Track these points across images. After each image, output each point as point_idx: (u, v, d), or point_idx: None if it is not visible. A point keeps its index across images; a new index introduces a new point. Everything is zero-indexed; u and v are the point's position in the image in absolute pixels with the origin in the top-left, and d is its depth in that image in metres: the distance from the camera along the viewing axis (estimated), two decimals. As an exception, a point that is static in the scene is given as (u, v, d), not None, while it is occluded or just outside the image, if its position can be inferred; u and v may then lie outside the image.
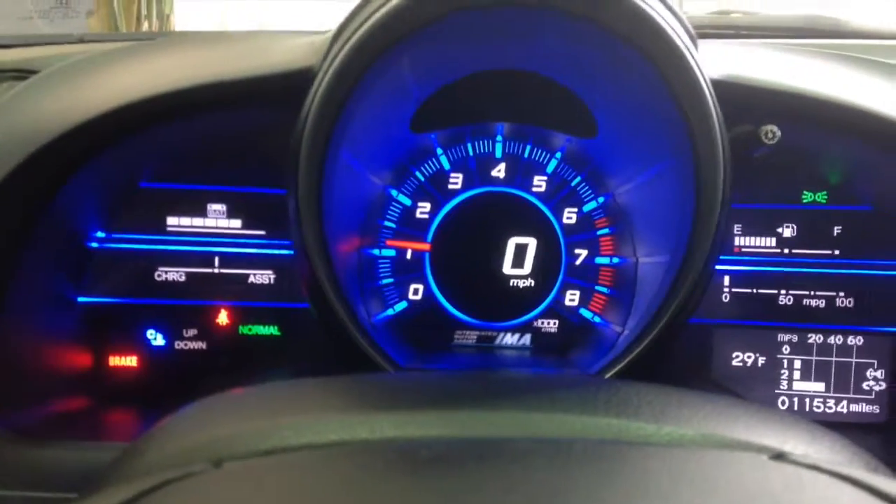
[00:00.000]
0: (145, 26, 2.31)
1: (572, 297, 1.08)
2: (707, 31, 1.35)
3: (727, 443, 0.49)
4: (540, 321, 1.09)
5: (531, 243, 1.08)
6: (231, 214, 1.05)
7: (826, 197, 1.02)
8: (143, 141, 0.93)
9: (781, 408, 1.04)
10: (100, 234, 1.01)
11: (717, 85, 0.81)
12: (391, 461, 0.42)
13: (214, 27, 3.26)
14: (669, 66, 0.76)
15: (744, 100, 0.84)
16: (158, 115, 0.88)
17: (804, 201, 1.03)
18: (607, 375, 0.83)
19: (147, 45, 0.99)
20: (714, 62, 0.84)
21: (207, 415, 0.53)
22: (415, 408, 0.52)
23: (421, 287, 1.09)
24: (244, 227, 1.05)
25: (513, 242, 1.08)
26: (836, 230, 1.02)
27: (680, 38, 0.77)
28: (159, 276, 1.04)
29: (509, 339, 1.10)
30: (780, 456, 0.43)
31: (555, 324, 1.09)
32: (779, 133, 0.81)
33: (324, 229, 0.81)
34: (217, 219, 1.05)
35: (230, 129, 0.98)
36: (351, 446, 0.46)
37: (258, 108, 0.90)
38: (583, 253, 1.08)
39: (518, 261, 1.08)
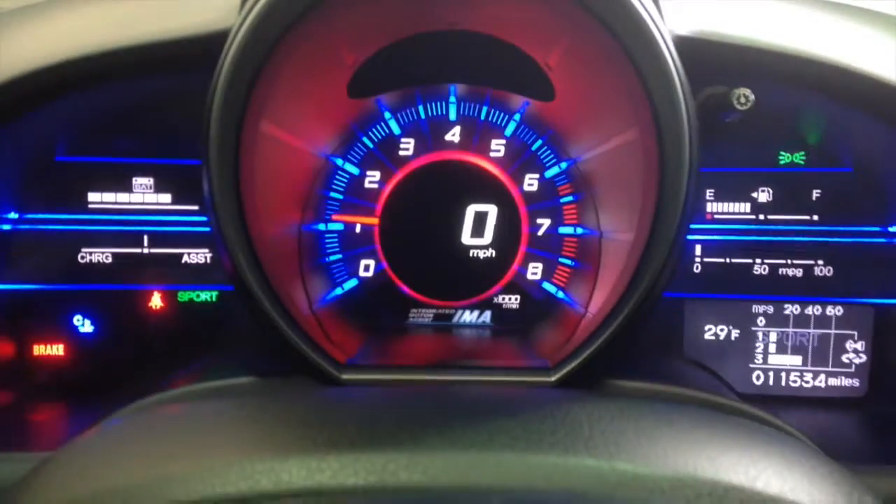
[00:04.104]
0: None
1: (535, 270, 1.01)
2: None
3: (687, 485, 0.42)
4: (500, 297, 1.02)
5: (491, 210, 0.99)
6: (159, 188, 0.96)
7: (804, 158, 0.95)
8: (56, 110, 0.84)
9: (756, 383, 0.99)
10: (12, 215, 0.92)
11: (686, 42, 0.72)
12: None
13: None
14: (625, 29, 0.67)
15: (715, 58, 0.75)
16: (70, 81, 0.78)
17: (781, 163, 0.95)
18: (574, 363, 0.76)
19: (54, 5, 0.88)
20: (683, 17, 0.75)
21: (82, 461, 0.45)
22: (328, 448, 0.44)
23: (372, 262, 1.01)
24: (174, 201, 0.96)
25: (472, 210, 0.99)
26: (815, 193, 0.95)
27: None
28: (83, 258, 0.96)
29: (468, 316, 1.02)
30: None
31: (516, 299, 1.02)
32: (752, 97, 0.73)
33: (244, 209, 0.72)
34: (144, 193, 0.96)
35: (151, 95, 0.88)
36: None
37: (178, 72, 0.80)
38: (545, 222, 1.00)
39: (477, 230, 1.00)
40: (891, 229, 0.93)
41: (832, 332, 0.97)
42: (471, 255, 1.00)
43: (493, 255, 1.00)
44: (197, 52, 0.76)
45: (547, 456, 0.44)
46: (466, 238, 1.00)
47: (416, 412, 0.51)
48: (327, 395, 0.63)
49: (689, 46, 0.73)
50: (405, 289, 1.00)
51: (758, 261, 0.97)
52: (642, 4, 0.67)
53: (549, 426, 0.47)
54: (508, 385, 0.71)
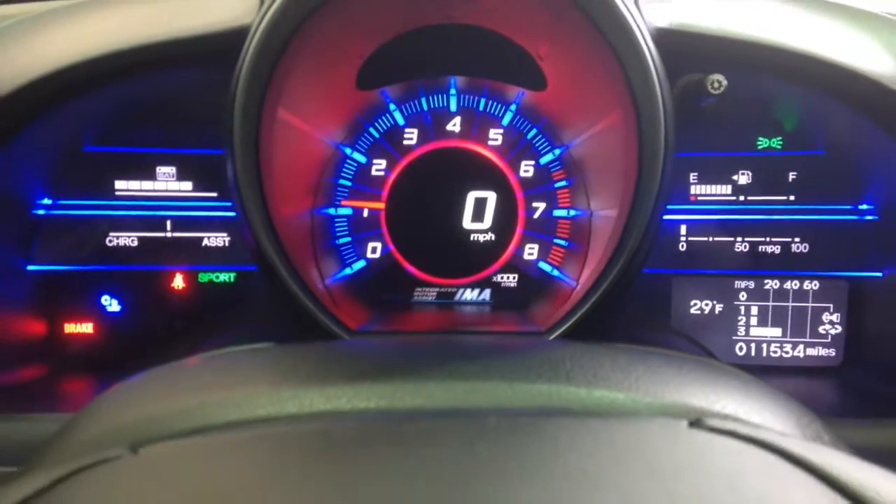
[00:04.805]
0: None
1: (531, 251, 1.08)
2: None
3: (654, 406, 0.49)
4: (499, 276, 1.09)
5: (490, 197, 1.07)
6: (181, 176, 1.03)
7: (781, 143, 1.02)
8: (84, 104, 0.90)
9: (739, 353, 1.05)
10: (46, 201, 0.99)
11: (664, 34, 0.79)
12: (306, 444, 0.41)
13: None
14: (605, 20, 0.75)
15: (691, 48, 0.82)
16: (101, 75, 0.85)
17: (759, 148, 1.02)
18: (563, 328, 0.83)
19: (84, 5, 0.96)
20: (661, 10, 0.82)
21: (131, 394, 0.53)
22: (344, 380, 0.51)
23: (379, 245, 1.08)
24: (195, 189, 1.04)
25: (472, 196, 1.07)
26: (791, 176, 1.02)
27: None
28: (110, 241, 1.03)
29: (469, 294, 1.09)
30: (698, 422, 0.43)
31: (514, 278, 1.09)
32: (725, 82, 0.80)
33: (264, 192, 0.79)
34: (167, 181, 1.03)
35: (173, 89, 0.95)
36: (274, 424, 0.46)
37: (200, 66, 0.87)
38: (541, 206, 1.07)
39: (478, 215, 1.07)
40: (861, 207, 1.00)
41: (809, 305, 1.04)
42: (471, 238, 1.07)
43: (492, 237, 1.07)
44: (219, 47, 0.82)
45: (533, 384, 0.51)
46: (467, 223, 1.07)
47: (421, 353, 0.58)
48: (342, 343, 0.70)
49: (668, 37, 0.80)
50: (410, 269, 1.08)
51: (739, 239, 1.04)
52: None
53: (537, 362, 0.54)
54: (504, 342, 0.78)
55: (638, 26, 0.75)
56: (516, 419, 0.42)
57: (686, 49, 0.82)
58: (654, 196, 0.77)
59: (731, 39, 0.81)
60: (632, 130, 0.78)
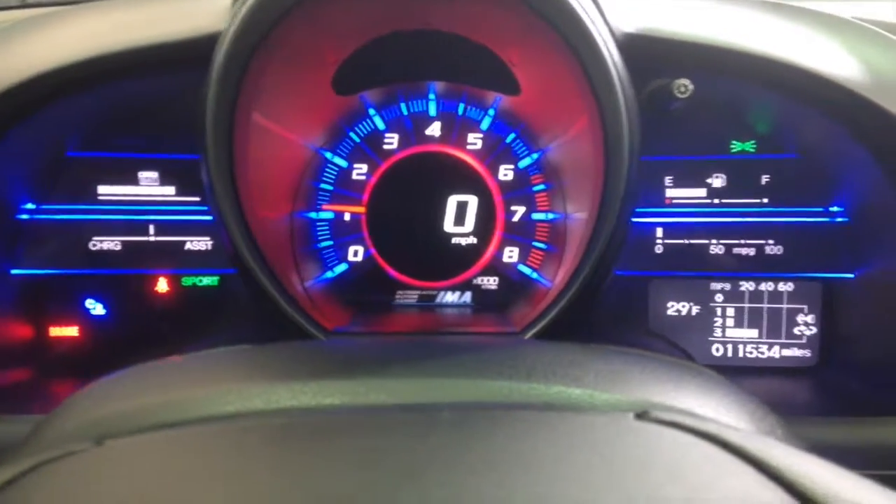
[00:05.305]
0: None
1: (511, 254, 1.10)
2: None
3: (609, 402, 0.51)
4: (479, 278, 1.10)
5: (472, 201, 1.08)
6: (163, 181, 1.05)
7: (754, 146, 1.03)
8: (65, 109, 0.92)
9: (716, 354, 1.07)
10: (29, 206, 1.01)
11: (631, 39, 0.81)
12: (266, 436, 0.43)
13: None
14: (567, 27, 0.76)
15: (659, 53, 0.83)
16: (77, 82, 0.87)
17: (733, 151, 1.04)
18: (537, 328, 0.85)
19: (63, 13, 0.97)
20: (629, 16, 0.83)
21: (102, 391, 0.54)
22: (311, 377, 0.53)
23: (361, 248, 1.09)
24: (178, 193, 1.05)
25: (454, 200, 1.08)
26: (765, 179, 1.04)
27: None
28: (94, 245, 1.04)
29: (450, 297, 1.11)
30: (644, 414, 0.44)
31: (494, 280, 1.10)
32: (691, 87, 0.81)
33: (240, 195, 0.80)
34: (149, 186, 1.05)
35: (154, 94, 0.97)
36: (240, 419, 0.47)
37: (177, 72, 0.89)
38: (520, 209, 1.09)
39: (458, 218, 1.09)
40: (832, 209, 1.01)
41: (784, 306, 1.05)
42: (452, 241, 1.09)
43: (473, 241, 1.09)
44: (194, 52, 0.84)
45: (494, 381, 0.52)
46: (448, 226, 1.09)
47: (389, 351, 0.59)
48: (315, 343, 0.71)
49: (635, 42, 0.81)
50: (391, 272, 1.09)
51: (714, 241, 1.05)
52: (582, 6, 0.75)
53: (498, 359, 0.55)
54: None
55: (599, 32, 0.76)
56: (469, 413, 0.44)
57: (654, 54, 0.83)
58: (620, 198, 0.79)
59: (698, 44, 0.83)
60: (598, 135, 0.80)
